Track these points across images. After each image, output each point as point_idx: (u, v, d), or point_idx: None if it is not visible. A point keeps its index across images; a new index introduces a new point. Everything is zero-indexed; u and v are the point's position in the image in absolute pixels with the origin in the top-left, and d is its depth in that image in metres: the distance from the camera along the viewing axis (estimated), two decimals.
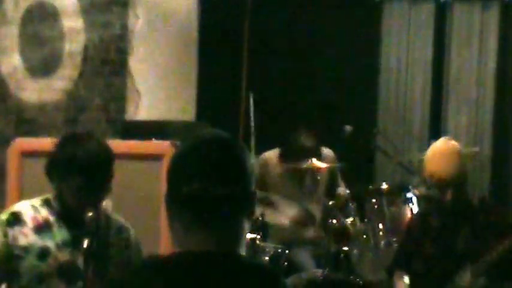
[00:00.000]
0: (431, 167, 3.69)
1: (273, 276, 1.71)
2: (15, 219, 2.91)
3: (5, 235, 2.88)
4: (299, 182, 5.35)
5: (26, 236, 2.89)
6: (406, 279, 3.82)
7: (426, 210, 3.88)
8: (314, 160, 5.06)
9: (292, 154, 5.17)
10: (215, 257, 1.67)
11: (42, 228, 2.92)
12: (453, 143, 3.73)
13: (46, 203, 2.98)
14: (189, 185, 1.67)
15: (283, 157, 5.29)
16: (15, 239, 2.88)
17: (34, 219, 2.93)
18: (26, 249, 2.88)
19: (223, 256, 1.68)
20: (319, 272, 4.79)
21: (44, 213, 2.95)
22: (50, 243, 2.90)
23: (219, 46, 6.75)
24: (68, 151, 2.88)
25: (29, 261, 2.86)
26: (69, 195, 2.90)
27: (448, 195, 3.64)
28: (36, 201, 3.00)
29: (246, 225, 1.73)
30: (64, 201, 2.93)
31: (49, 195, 2.99)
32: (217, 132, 1.78)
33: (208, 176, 1.67)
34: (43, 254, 2.89)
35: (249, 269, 1.68)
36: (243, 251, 1.73)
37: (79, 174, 2.85)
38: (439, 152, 3.70)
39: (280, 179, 5.37)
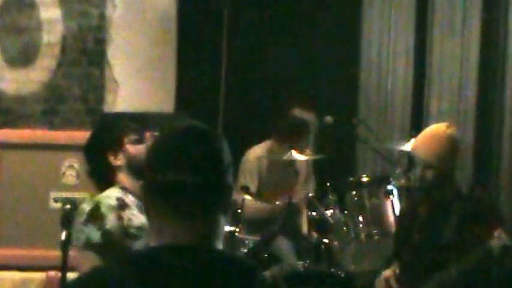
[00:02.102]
0: (417, 143, 3.69)
1: (250, 269, 1.69)
2: (123, 202, 3.04)
3: (120, 218, 2.99)
4: (283, 173, 5.34)
5: (136, 217, 3.01)
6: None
7: (416, 198, 3.84)
8: (294, 153, 5.04)
9: (292, 131, 5.16)
10: (191, 250, 1.66)
11: (142, 209, 3.00)
12: (447, 129, 3.68)
13: (124, 189, 3.08)
14: (163, 174, 1.67)
15: (281, 139, 5.27)
16: (129, 220, 3.00)
17: (133, 202, 3.06)
18: (140, 228, 2.98)
19: (199, 249, 1.66)
20: (300, 264, 4.78)
21: (131, 198, 3.07)
22: None
23: (199, 36, 6.71)
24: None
25: (145, 240, 2.94)
26: None
27: (429, 177, 3.61)
28: (115, 189, 3.09)
29: (223, 218, 1.72)
30: None
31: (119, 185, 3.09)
32: (195, 123, 1.77)
33: (182, 166, 1.67)
34: None
35: (225, 263, 1.67)
36: (220, 245, 1.71)
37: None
38: (429, 132, 3.71)
39: (268, 173, 5.37)
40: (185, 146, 1.70)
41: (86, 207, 3.04)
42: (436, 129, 3.71)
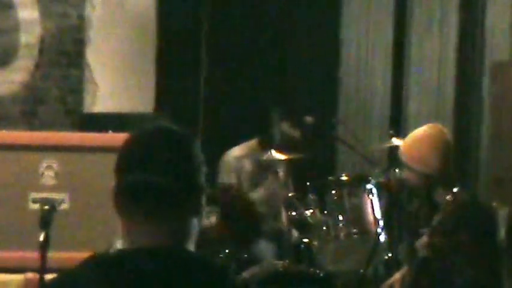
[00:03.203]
0: (402, 147, 3.63)
1: (220, 271, 1.69)
2: None
3: None
4: (263, 174, 5.34)
5: None
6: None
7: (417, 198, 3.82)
8: (273, 152, 5.04)
9: (282, 145, 5.17)
10: (160, 253, 1.65)
11: None
12: (433, 131, 3.58)
13: None
14: (131, 175, 1.66)
15: (265, 146, 5.28)
16: None
17: None
18: None
19: (168, 252, 1.66)
20: (279, 264, 4.77)
21: None
22: None
23: (178, 36, 6.69)
24: None
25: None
26: None
27: (412, 180, 3.58)
28: None
29: (196, 220, 1.71)
30: None
31: None
32: (168, 125, 1.77)
33: (150, 166, 1.66)
34: None
35: (195, 265, 1.66)
36: (192, 247, 1.70)
37: None
38: (414, 136, 3.62)
39: (250, 174, 5.37)
40: (154, 147, 1.69)
41: None
42: (420, 132, 3.61)
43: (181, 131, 1.74)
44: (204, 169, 1.73)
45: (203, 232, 3.31)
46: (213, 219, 3.37)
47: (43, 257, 2.93)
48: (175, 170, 1.68)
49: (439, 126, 3.69)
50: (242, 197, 3.73)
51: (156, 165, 1.67)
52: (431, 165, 3.53)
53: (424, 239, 3.37)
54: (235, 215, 3.45)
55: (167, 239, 1.67)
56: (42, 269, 3.20)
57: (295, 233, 4.92)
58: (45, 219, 3.13)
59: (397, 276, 3.81)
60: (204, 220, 3.29)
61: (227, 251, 4.74)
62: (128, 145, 1.72)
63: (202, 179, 1.72)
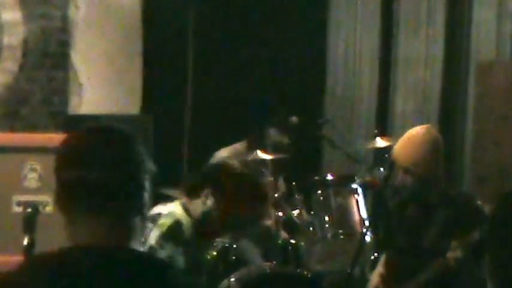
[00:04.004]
0: (397, 149, 3.64)
1: (161, 267, 1.70)
2: None
3: None
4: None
5: None
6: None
7: (405, 199, 3.80)
8: (259, 153, 5.02)
9: (269, 146, 5.15)
10: (99, 250, 1.66)
11: None
12: (427, 133, 3.61)
13: None
14: (70, 173, 1.68)
15: (252, 149, 5.26)
16: None
17: None
18: None
19: (108, 249, 1.67)
20: (267, 265, 4.75)
21: None
22: None
23: (165, 37, 6.66)
24: None
25: None
26: None
27: (409, 182, 3.57)
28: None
29: (138, 219, 1.72)
30: None
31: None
32: (109, 123, 1.78)
33: (89, 164, 1.68)
34: None
35: (135, 261, 1.67)
36: (135, 245, 1.71)
37: None
38: (408, 137, 3.63)
39: None
40: (93, 145, 1.71)
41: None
42: (414, 133, 3.63)
43: (122, 130, 1.75)
44: (147, 169, 1.74)
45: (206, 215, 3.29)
46: (209, 202, 3.29)
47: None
48: (114, 169, 1.69)
49: (434, 128, 3.72)
50: (242, 175, 3.56)
51: (96, 163, 1.68)
52: (430, 168, 3.57)
53: (456, 253, 3.33)
54: (236, 185, 3.32)
55: (107, 237, 1.68)
56: None
57: (282, 234, 4.90)
58: (29, 223, 3.09)
59: (375, 279, 3.80)
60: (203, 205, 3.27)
61: (215, 253, 4.72)
62: (67, 144, 1.74)
63: (145, 178, 1.73)
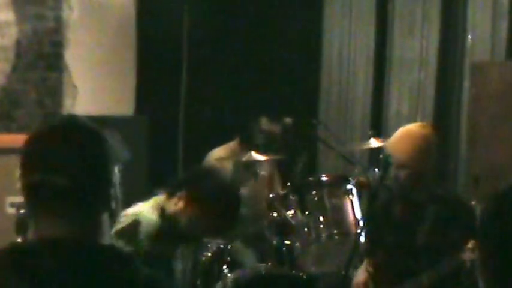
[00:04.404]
0: (392, 144, 3.64)
1: (125, 258, 1.72)
2: None
3: None
4: (245, 175, 5.32)
5: None
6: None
7: (390, 198, 3.80)
8: (253, 153, 5.01)
9: (259, 143, 5.14)
10: (64, 243, 1.68)
11: None
12: (423, 129, 3.63)
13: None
14: (30, 175, 1.72)
15: (246, 146, 5.24)
16: None
17: None
18: None
19: (72, 242, 1.69)
20: (261, 267, 4.74)
21: None
22: None
23: (159, 37, 6.64)
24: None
25: None
26: None
27: (403, 177, 3.57)
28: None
29: (105, 215, 1.74)
30: None
31: None
32: (72, 119, 1.79)
33: (49, 165, 1.70)
34: None
35: (98, 255, 1.69)
36: (103, 239, 1.74)
37: None
38: (403, 132, 3.64)
39: (232, 175, 5.34)
40: (51, 146, 1.72)
41: None
42: (411, 129, 3.65)
43: (84, 126, 1.76)
44: (114, 162, 1.76)
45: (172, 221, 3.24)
46: (180, 203, 3.23)
47: None
48: (77, 168, 1.70)
49: (428, 126, 3.73)
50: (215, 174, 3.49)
51: (57, 165, 1.69)
52: (424, 163, 3.58)
53: (470, 253, 3.31)
54: (207, 195, 3.25)
55: (72, 233, 1.70)
56: None
57: (276, 235, 4.88)
58: (21, 224, 3.08)
59: (360, 277, 3.78)
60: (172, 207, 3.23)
61: (209, 254, 4.71)
62: (29, 145, 1.75)
63: (111, 173, 1.75)
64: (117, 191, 1.77)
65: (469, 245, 3.30)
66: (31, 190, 1.72)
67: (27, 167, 1.73)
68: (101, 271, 1.66)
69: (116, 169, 1.77)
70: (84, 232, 1.71)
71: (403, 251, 3.60)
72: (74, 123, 1.77)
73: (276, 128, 5.34)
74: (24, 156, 1.75)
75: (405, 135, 3.63)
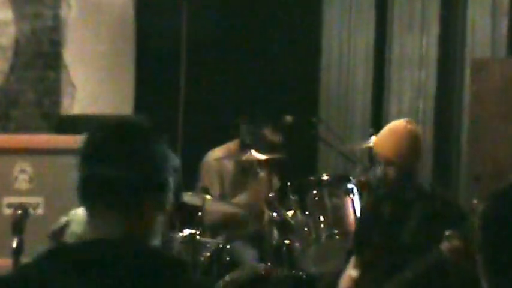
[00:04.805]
0: (378, 142, 3.63)
1: (178, 265, 1.69)
2: None
3: None
4: (244, 175, 5.30)
5: None
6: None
7: (378, 196, 3.77)
8: (253, 152, 4.98)
9: (261, 148, 5.11)
10: (119, 245, 1.67)
11: None
12: (408, 125, 3.60)
13: None
14: (91, 169, 1.71)
15: (246, 148, 5.21)
16: None
17: None
18: None
19: (126, 244, 1.67)
20: (261, 267, 4.71)
21: None
22: None
23: (158, 37, 6.61)
24: None
25: None
26: None
27: (391, 174, 3.55)
28: None
29: (160, 217, 1.72)
30: None
31: None
32: (133, 120, 1.80)
33: (110, 161, 1.70)
34: None
35: (151, 258, 1.67)
36: (154, 241, 1.73)
37: None
38: (389, 128, 3.63)
39: (232, 175, 5.32)
40: (115, 142, 1.72)
41: None
42: (396, 126, 3.64)
43: (142, 126, 1.77)
44: (170, 165, 1.74)
45: None
46: None
47: (16, 264, 2.84)
48: (134, 166, 1.70)
49: (412, 121, 3.71)
50: None
51: (114, 161, 1.70)
52: (412, 160, 3.56)
53: (452, 243, 3.27)
54: None
55: (125, 233, 1.68)
56: None
57: (276, 235, 4.86)
58: (17, 225, 3.05)
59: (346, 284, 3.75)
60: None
61: (209, 254, 4.68)
62: (89, 139, 1.74)
63: (166, 174, 1.73)
64: (171, 195, 1.76)
65: (446, 233, 3.26)
66: (88, 184, 1.71)
67: (87, 162, 1.72)
68: (152, 276, 1.63)
69: (172, 173, 1.76)
70: (136, 232, 1.70)
71: (390, 250, 3.57)
72: (132, 122, 1.79)
73: (278, 138, 5.32)
74: (84, 151, 1.74)
75: (391, 132, 3.61)
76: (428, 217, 3.52)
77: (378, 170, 3.60)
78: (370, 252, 3.66)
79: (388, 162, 3.55)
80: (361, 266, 3.69)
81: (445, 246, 3.26)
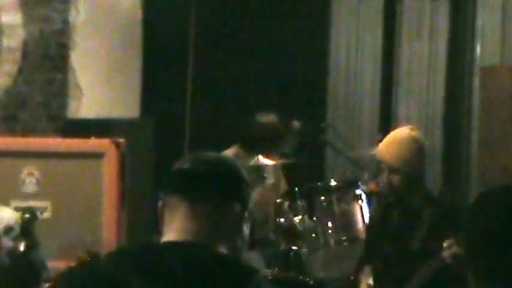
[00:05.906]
0: (381, 149, 3.61)
1: (248, 273, 1.69)
2: None
3: None
4: (252, 180, 5.27)
5: None
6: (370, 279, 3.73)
7: (386, 205, 3.76)
8: (261, 158, 4.96)
9: (259, 139, 5.08)
10: (191, 248, 1.69)
11: None
12: (411, 132, 3.61)
13: None
14: (179, 166, 1.79)
15: (248, 146, 5.17)
16: None
17: None
18: None
19: (199, 248, 1.70)
20: (268, 272, 4.69)
21: None
22: None
23: (164, 40, 6.61)
24: None
25: None
26: None
27: (395, 182, 3.53)
28: None
29: (244, 223, 1.78)
30: None
31: None
32: (218, 157, 1.90)
33: (197, 163, 1.79)
34: None
35: (222, 264, 1.69)
36: (239, 243, 1.76)
37: None
38: (393, 136, 3.63)
39: None
40: (206, 167, 1.81)
41: None
42: (399, 133, 3.64)
43: (230, 162, 1.88)
44: (250, 190, 1.85)
45: None
46: None
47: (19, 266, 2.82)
48: (224, 183, 1.80)
49: (415, 128, 3.72)
50: None
51: (203, 164, 1.80)
52: (417, 167, 3.56)
53: (453, 250, 3.26)
54: None
55: (202, 236, 1.72)
56: None
57: (283, 240, 4.84)
58: (25, 228, 3.04)
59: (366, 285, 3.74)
60: None
61: None
62: (183, 164, 1.82)
63: (248, 198, 1.83)
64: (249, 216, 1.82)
65: (445, 243, 3.25)
66: (175, 177, 1.78)
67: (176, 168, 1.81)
68: (223, 283, 1.65)
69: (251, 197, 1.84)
70: (210, 234, 1.73)
71: (400, 259, 3.55)
72: (219, 159, 1.88)
73: (273, 119, 5.28)
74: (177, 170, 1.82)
75: (395, 139, 3.61)
76: (437, 225, 3.50)
77: (384, 177, 3.59)
78: (381, 262, 3.65)
79: (392, 170, 3.54)
80: (373, 275, 3.68)
81: (446, 253, 3.25)
